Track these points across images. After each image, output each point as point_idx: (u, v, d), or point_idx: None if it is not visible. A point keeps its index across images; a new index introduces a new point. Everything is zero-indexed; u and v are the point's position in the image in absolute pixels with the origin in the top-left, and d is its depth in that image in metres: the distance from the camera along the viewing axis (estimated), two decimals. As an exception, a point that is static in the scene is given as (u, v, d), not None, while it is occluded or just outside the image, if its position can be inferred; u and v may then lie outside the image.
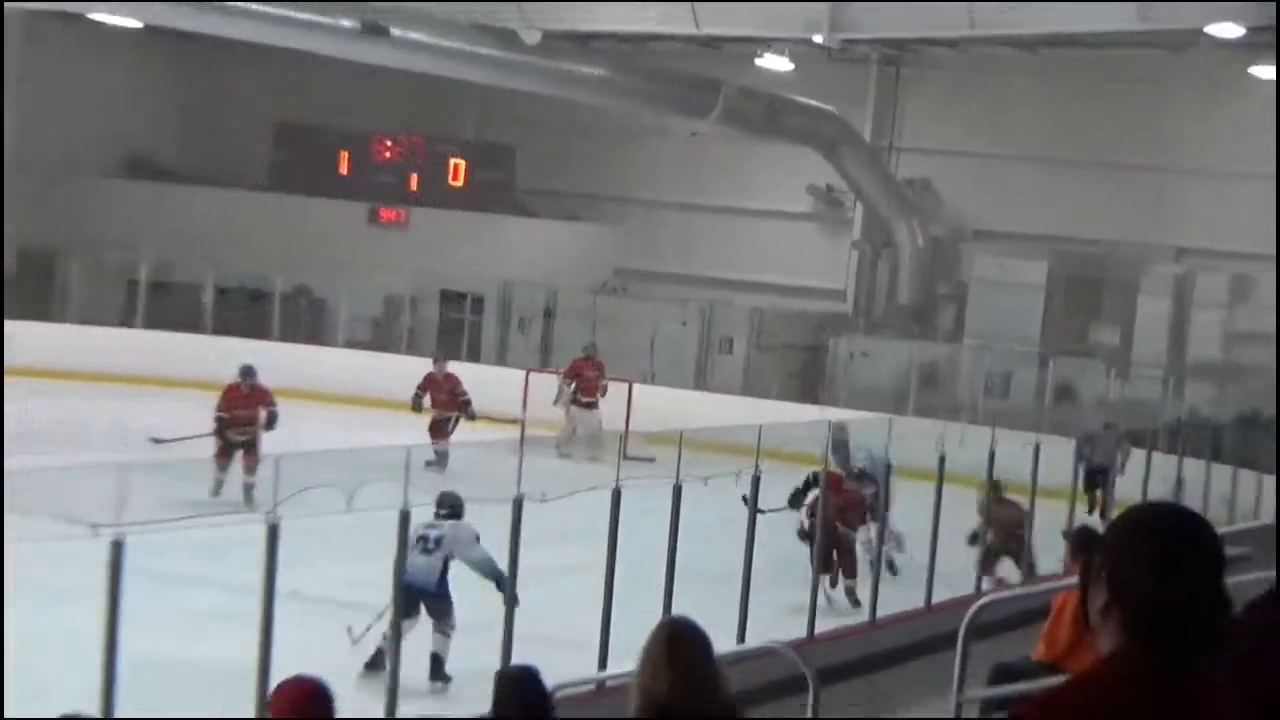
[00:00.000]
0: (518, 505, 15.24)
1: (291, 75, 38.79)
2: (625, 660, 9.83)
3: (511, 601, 15.89)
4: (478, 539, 17.22)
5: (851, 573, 21.84)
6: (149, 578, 14.15)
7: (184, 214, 42.65)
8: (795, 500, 22.16)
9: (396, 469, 15.09)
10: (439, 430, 29.24)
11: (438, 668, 17.15)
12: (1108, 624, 3.21)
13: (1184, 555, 3.23)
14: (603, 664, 15.41)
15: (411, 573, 16.08)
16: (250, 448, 25.57)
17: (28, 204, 43.26)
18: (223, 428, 25.28)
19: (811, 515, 21.46)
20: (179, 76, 44.11)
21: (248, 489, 23.71)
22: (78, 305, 40.49)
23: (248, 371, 27.05)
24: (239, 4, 32.85)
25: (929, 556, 20.01)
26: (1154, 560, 3.20)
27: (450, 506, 17.45)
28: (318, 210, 42.88)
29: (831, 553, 21.43)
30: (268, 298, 40.32)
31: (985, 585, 21.00)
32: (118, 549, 12.10)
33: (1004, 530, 22.29)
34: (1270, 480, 27.60)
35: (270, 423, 26.37)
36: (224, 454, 24.90)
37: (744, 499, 21.08)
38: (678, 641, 8.44)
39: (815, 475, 21.70)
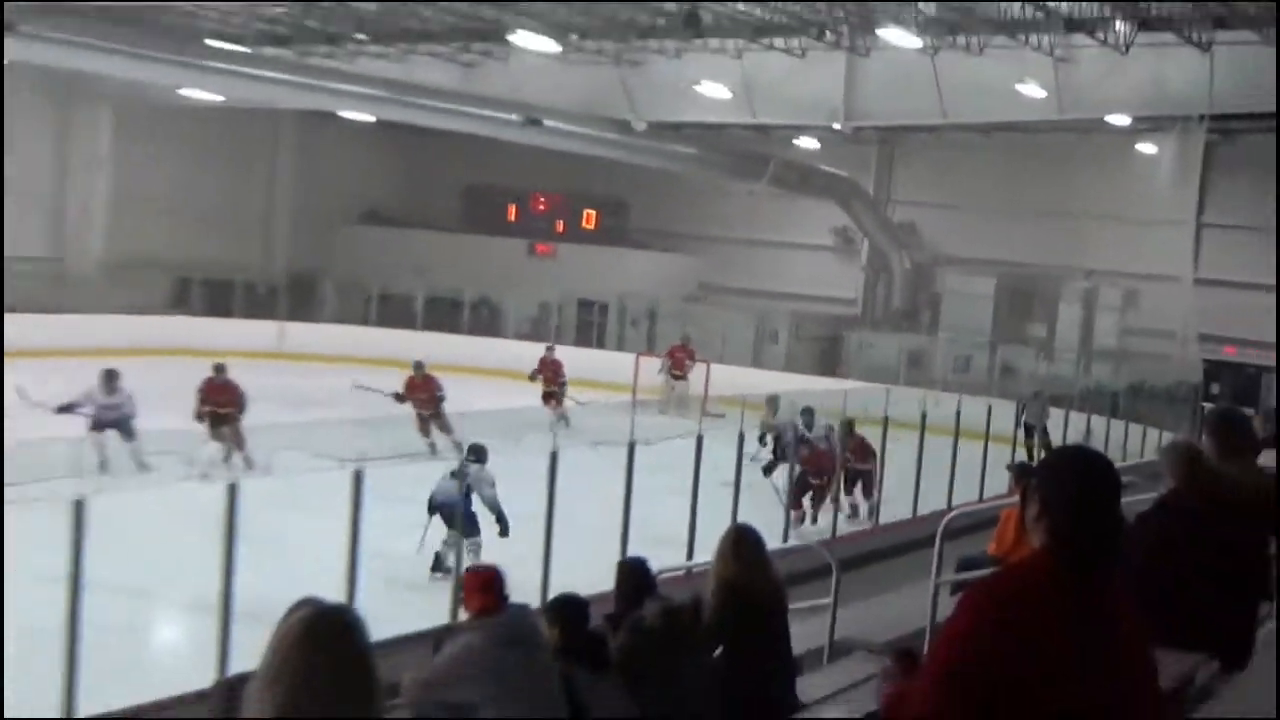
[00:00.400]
0: (631, 448, 15.36)
1: (476, 151, 38.73)
2: (706, 553, 9.99)
3: (504, 533, 15.69)
4: (493, 484, 16.29)
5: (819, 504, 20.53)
6: (375, 497, 13.65)
7: (402, 248, 42.96)
8: (768, 471, 21.34)
9: (544, 425, 15.09)
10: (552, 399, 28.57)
11: (438, 563, 16.18)
12: (1038, 528, 3.31)
13: (1093, 484, 3.38)
14: (690, 555, 15.29)
15: (441, 497, 15.93)
16: (437, 417, 24.59)
17: (300, 241, 43.74)
18: (400, 400, 24.48)
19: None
20: (399, 153, 44.05)
21: (432, 446, 23.55)
22: (331, 310, 40.72)
23: (419, 365, 26.01)
24: (440, 105, 33.14)
25: (915, 481, 19.76)
26: (1073, 486, 3.35)
27: (478, 454, 16.59)
28: (494, 245, 43.04)
29: (804, 494, 20.48)
30: (460, 305, 40.62)
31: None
32: (358, 477, 12.31)
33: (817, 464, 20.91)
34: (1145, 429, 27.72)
35: (441, 400, 25.05)
36: (422, 423, 24.26)
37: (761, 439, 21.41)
38: (741, 541, 8.72)
39: (782, 450, 20.96)
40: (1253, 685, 5.45)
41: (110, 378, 20.45)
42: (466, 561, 15.04)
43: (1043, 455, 24.22)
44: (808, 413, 21.89)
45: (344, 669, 3.04)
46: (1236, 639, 5.90)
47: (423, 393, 24.71)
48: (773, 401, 24.36)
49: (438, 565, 15.94)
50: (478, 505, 15.91)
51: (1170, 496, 6.23)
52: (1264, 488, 7.18)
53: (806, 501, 20.34)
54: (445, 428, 23.72)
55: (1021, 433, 26.48)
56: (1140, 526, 5.06)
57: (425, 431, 23.82)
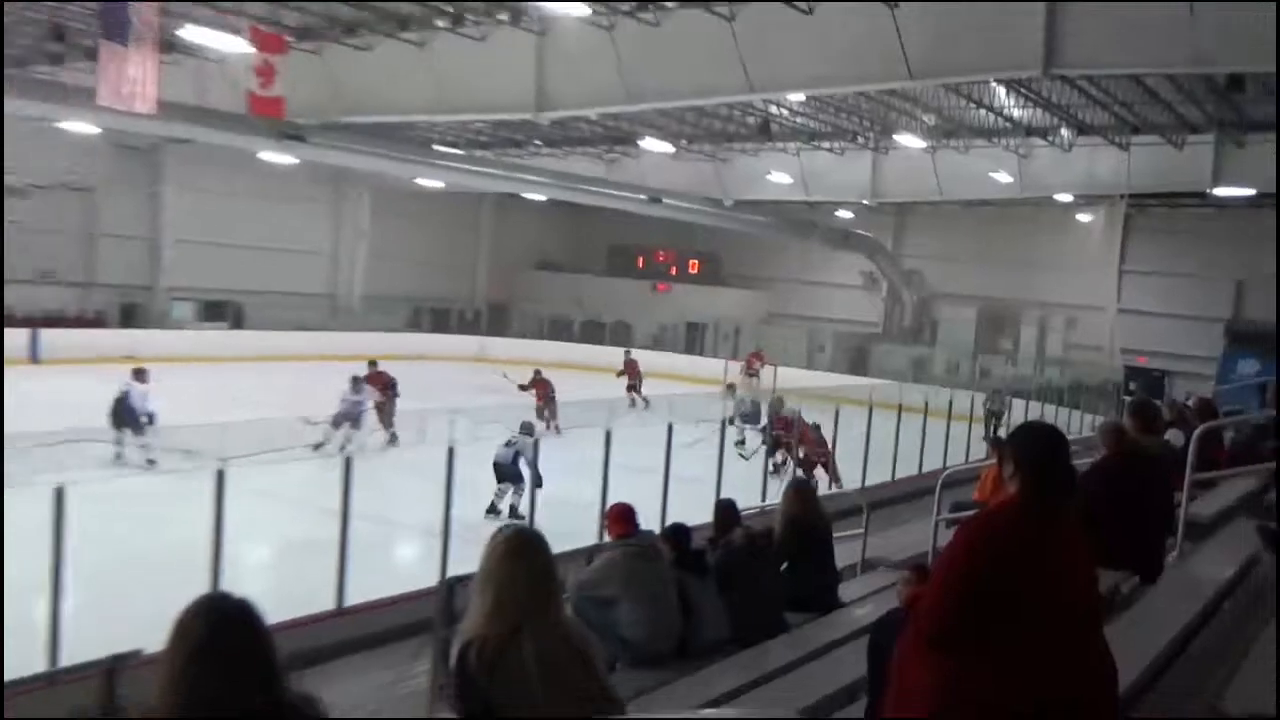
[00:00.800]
0: (723, 425, 14.89)
1: (616, 219, 38.73)
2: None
3: (538, 485, 14.06)
4: (535, 450, 14.87)
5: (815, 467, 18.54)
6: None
7: (565, 286, 43.13)
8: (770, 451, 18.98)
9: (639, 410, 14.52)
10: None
11: (490, 507, 15.13)
12: (1012, 481, 3.30)
13: (1052, 447, 3.39)
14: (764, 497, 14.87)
15: (497, 458, 15.13)
16: (550, 404, 22.93)
17: (495, 281, 44.08)
18: (524, 390, 23.57)
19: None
20: (563, 221, 43.75)
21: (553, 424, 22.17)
22: (516, 329, 40.94)
23: (538, 371, 24.59)
24: (591, 188, 33.36)
25: (920, 448, 19.32)
26: (1039, 448, 3.36)
27: (526, 429, 15.57)
28: (628, 285, 42.83)
29: (786, 462, 18.83)
30: (603, 326, 40.63)
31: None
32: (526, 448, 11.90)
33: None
34: (1083, 414, 27.32)
35: (552, 396, 23.42)
36: (539, 411, 22.52)
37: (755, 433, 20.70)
38: (800, 489, 8.85)
39: (776, 437, 19.01)
40: (1161, 593, 5.50)
41: (357, 383, 20.06)
42: (512, 502, 14.97)
43: (1000, 433, 24.01)
44: (778, 402, 20.80)
45: (535, 573, 3.17)
46: (1151, 561, 5.92)
47: (541, 388, 23.86)
48: (730, 389, 23.13)
49: (491, 509, 15.18)
50: (524, 465, 15.07)
51: (1103, 460, 6.27)
52: (1169, 454, 7.16)
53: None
54: (553, 414, 22.54)
55: (986, 417, 25.96)
56: (1084, 480, 5.06)
57: (540, 415, 22.54)
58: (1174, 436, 8.27)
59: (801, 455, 18.44)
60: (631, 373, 29.36)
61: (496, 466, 15.17)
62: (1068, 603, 3.21)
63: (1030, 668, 3.06)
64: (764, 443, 19.03)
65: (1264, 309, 32.49)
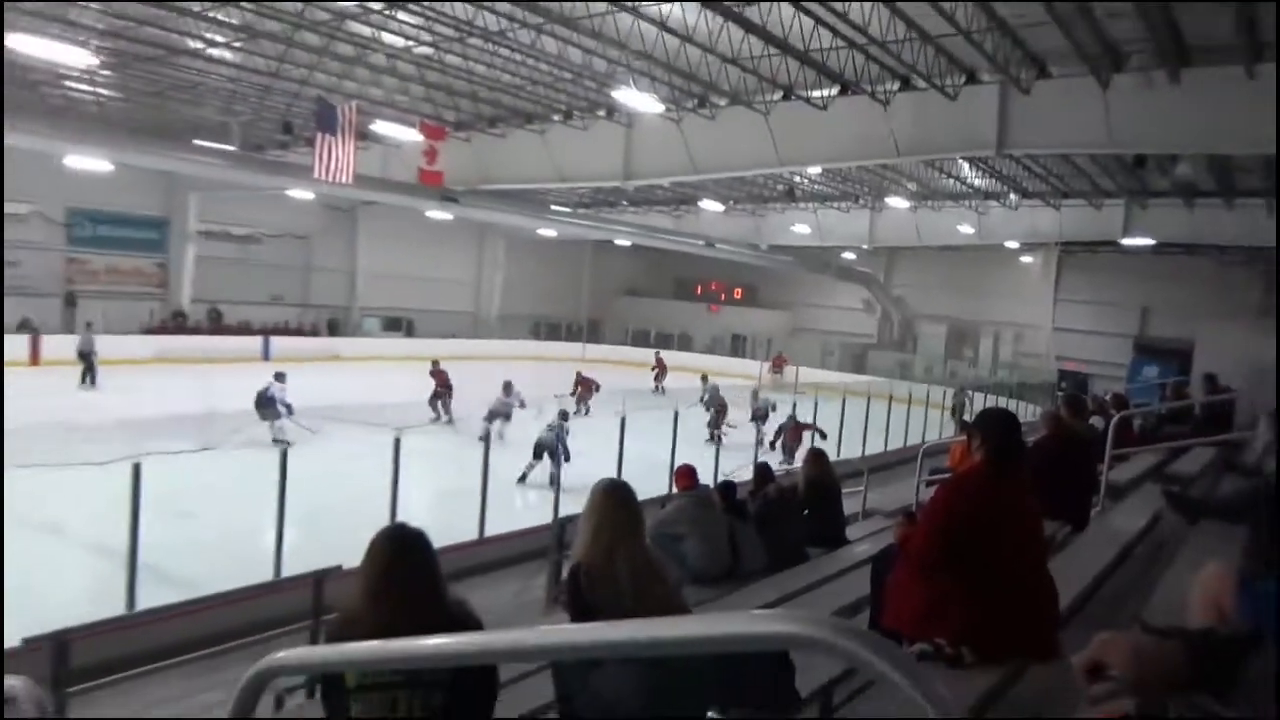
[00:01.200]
0: (675, 414, 12.66)
1: (682, 258, 38.49)
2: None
3: (567, 460, 13.23)
4: (568, 432, 14.04)
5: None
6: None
7: (644, 308, 42.84)
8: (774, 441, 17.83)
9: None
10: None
11: (521, 476, 14.05)
12: (978, 451, 3.24)
13: (1009, 425, 3.34)
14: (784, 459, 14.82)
15: (541, 438, 13.89)
16: (588, 396, 21.62)
17: (594, 304, 44.04)
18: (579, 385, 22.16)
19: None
20: (644, 259, 43.07)
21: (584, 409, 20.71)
22: (608, 338, 40.80)
23: (578, 374, 22.90)
24: (664, 236, 33.33)
25: (904, 428, 19.14)
26: (1000, 425, 3.31)
27: (564, 415, 14.47)
28: (689, 307, 42.67)
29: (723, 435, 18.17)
30: (672, 336, 39.97)
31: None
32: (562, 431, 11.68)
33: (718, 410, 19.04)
34: (1028, 405, 26.72)
35: (596, 389, 22.12)
36: (580, 401, 21.39)
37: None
38: (818, 455, 8.61)
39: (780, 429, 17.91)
40: (1088, 540, 5.38)
41: (508, 387, 17.99)
42: (552, 472, 13.20)
43: (965, 419, 23.56)
44: (755, 395, 19.80)
45: (625, 510, 3.15)
46: (1081, 514, 5.79)
47: (585, 387, 22.28)
48: (705, 379, 21.68)
49: (522, 478, 14.08)
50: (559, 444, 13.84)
51: (1044, 439, 6.15)
52: (1093, 435, 6.98)
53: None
54: (588, 409, 20.81)
55: (954, 409, 25.34)
56: (1030, 453, 4.96)
57: (580, 400, 21.59)
58: (1096, 422, 8.10)
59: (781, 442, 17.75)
60: (660, 368, 28.62)
61: (540, 446, 14.00)
62: (1022, 541, 3.17)
63: (994, 588, 3.01)
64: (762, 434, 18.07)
65: (1162, 328, 32.82)
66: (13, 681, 2.03)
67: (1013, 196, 28.01)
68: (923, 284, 39.46)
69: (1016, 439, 3.35)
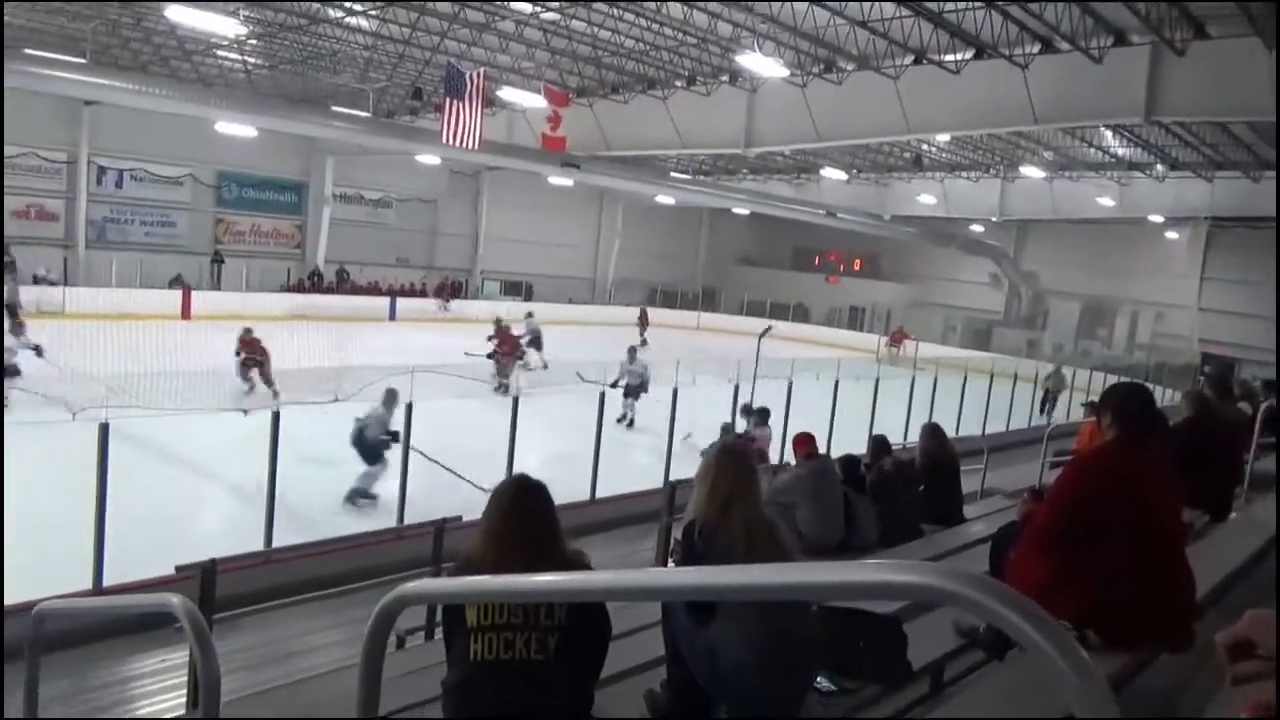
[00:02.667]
0: (740, 385, 12.69)
1: (800, 228, 37.88)
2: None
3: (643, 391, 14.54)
4: (645, 368, 15.49)
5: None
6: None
7: (761, 278, 42.14)
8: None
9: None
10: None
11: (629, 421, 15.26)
12: (1109, 430, 3.15)
13: (1144, 399, 3.27)
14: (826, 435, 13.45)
15: (627, 378, 15.35)
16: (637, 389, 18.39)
17: (709, 272, 43.86)
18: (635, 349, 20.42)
19: None
20: (761, 228, 42.39)
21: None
22: (724, 306, 40.39)
23: (631, 349, 18.34)
24: (783, 204, 32.90)
25: (1008, 410, 17.96)
26: (1128, 400, 3.21)
27: (632, 352, 15.81)
28: (808, 278, 41.96)
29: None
30: (788, 307, 38.56)
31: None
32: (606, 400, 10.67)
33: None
34: (1165, 389, 25.32)
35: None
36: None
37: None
38: (935, 430, 8.44)
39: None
40: (1228, 530, 5.16)
41: (632, 352, 16.89)
42: (630, 415, 14.99)
43: (1055, 400, 22.25)
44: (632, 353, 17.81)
45: (739, 468, 3.11)
46: (1220, 503, 5.52)
47: (507, 342, 18.48)
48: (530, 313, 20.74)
49: (631, 423, 15.20)
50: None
51: (1187, 421, 5.88)
52: (1241, 419, 6.64)
53: None
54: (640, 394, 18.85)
55: (1044, 389, 22.77)
56: (1173, 436, 4.75)
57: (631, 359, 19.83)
58: (1244, 408, 7.64)
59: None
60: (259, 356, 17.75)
61: (627, 387, 15.31)
62: (1156, 524, 3.03)
63: (1122, 571, 2.89)
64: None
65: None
66: (173, 599, 2.23)
67: (1160, 167, 26.56)
68: (1056, 259, 37.67)
69: (1151, 414, 3.23)
